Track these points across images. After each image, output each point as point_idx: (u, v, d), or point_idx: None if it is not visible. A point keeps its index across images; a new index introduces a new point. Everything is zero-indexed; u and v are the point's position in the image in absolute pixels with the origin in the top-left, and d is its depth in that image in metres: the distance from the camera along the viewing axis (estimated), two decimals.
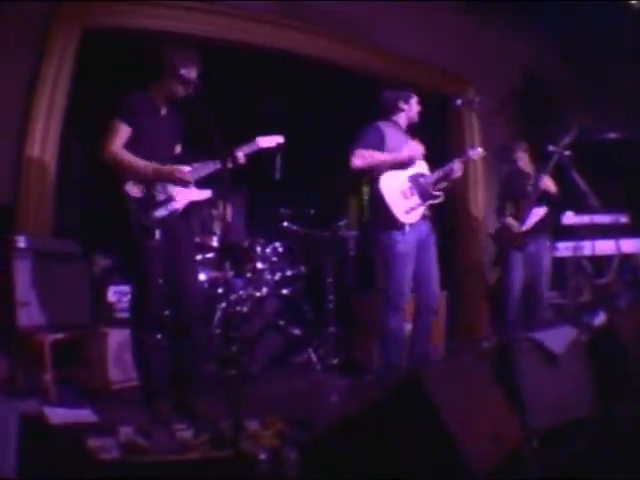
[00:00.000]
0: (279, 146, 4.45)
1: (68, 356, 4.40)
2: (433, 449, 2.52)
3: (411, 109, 5.06)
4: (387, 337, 4.76)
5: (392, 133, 4.95)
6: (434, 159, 7.46)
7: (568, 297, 6.37)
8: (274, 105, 7.11)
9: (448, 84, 7.35)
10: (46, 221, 4.96)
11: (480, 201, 7.49)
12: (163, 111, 4.16)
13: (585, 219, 6.09)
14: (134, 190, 3.90)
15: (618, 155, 7.53)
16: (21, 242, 4.29)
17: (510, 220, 5.79)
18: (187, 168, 4.10)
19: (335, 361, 5.78)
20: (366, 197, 8.49)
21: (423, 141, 5.09)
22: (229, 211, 5.45)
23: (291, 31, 6.34)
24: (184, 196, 4.09)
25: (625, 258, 6.50)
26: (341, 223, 6.32)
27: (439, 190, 4.94)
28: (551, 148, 5.28)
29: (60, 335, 4.27)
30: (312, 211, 6.27)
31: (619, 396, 3.57)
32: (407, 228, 4.72)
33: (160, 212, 3.95)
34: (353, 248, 6.53)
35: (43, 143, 4.99)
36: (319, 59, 6.60)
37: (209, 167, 4.14)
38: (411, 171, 4.90)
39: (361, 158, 4.83)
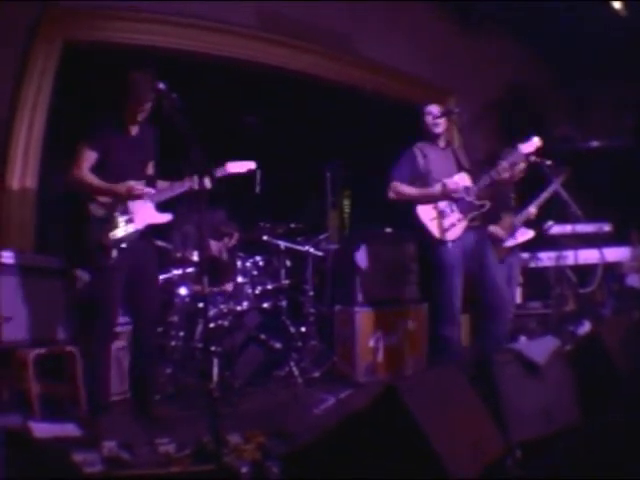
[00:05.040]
0: (250, 172, 4.51)
1: (52, 370, 4.40)
2: (413, 461, 2.53)
3: (428, 123, 5.05)
4: (440, 345, 4.93)
5: (428, 153, 5.02)
6: None
7: (552, 307, 6.39)
8: (255, 119, 7.14)
9: (428, 95, 7.30)
10: (28, 236, 4.98)
11: None
12: (134, 131, 4.23)
13: (567, 228, 6.10)
14: (98, 211, 4.06)
15: (600, 163, 7.59)
16: (6, 257, 4.28)
17: None
18: (152, 190, 4.23)
19: (316, 374, 5.80)
20: (347, 210, 8.58)
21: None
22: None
23: (273, 45, 6.40)
24: (144, 218, 4.22)
25: (609, 267, 6.54)
26: (322, 237, 6.36)
27: (485, 198, 4.94)
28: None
29: (43, 350, 4.26)
30: (292, 225, 6.29)
31: (604, 405, 3.60)
32: (449, 244, 4.79)
33: (119, 232, 4.08)
34: (334, 261, 6.55)
35: (25, 155, 5.03)
36: (301, 73, 6.66)
37: (174, 190, 4.25)
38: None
39: (394, 192, 5.01)
